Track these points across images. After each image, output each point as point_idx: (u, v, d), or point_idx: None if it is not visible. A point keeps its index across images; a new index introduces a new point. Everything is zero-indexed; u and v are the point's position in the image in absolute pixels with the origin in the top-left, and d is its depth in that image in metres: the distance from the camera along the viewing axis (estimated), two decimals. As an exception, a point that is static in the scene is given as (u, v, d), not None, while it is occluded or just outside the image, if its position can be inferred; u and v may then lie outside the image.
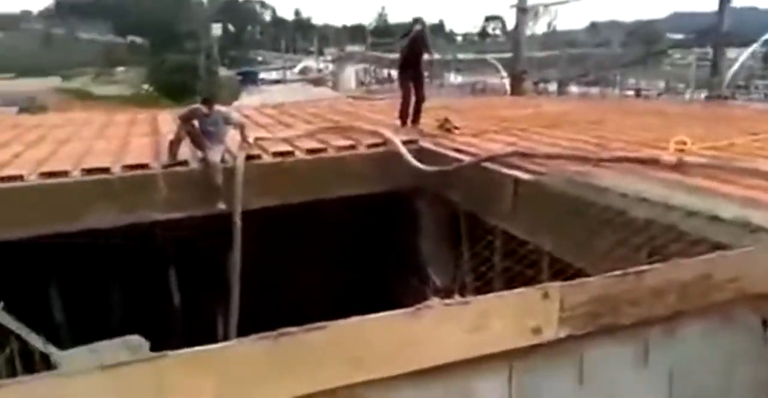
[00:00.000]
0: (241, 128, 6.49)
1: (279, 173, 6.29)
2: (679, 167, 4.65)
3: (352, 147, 6.68)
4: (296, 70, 55.56)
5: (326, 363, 2.08)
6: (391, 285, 7.87)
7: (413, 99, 7.48)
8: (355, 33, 73.95)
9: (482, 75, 30.21)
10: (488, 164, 5.51)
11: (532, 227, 4.89)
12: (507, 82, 18.18)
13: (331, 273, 7.77)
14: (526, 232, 5.11)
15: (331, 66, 52.23)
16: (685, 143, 5.34)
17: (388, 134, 6.83)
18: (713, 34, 13.85)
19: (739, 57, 19.86)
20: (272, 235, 7.00)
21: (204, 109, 6.05)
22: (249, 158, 6.23)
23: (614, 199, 3.99)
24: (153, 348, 7.08)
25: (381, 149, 6.66)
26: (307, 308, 7.66)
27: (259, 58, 69.56)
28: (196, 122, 6.11)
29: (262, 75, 47.30)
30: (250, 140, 6.61)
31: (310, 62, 59.02)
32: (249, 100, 23.80)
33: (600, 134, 6.72)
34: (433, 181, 6.36)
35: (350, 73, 41.92)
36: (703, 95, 14.94)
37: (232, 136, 6.42)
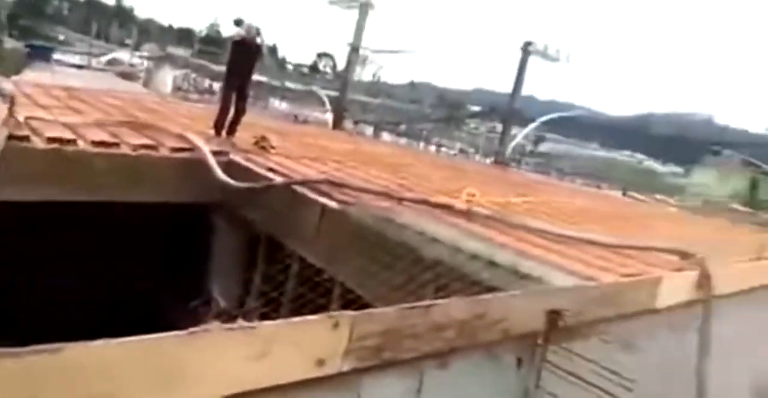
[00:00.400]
0: (11, 100, 5.37)
1: (51, 164, 5.29)
2: (467, 214, 5.09)
3: (152, 147, 5.98)
4: (104, 59, 49.67)
5: None
6: (169, 306, 7.11)
7: (233, 110, 7.10)
8: (183, 36, 69.53)
9: (308, 108, 30.63)
10: (298, 188, 5.38)
11: (331, 256, 4.85)
12: (330, 117, 18.66)
13: (96, 287, 6.70)
14: (323, 260, 5.05)
15: (146, 63, 47.92)
16: (474, 195, 5.91)
17: (197, 140, 6.30)
18: (504, 111, 16.22)
19: (518, 135, 24.01)
20: (27, 236, 5.82)
21: None
22: (13, 137, 5.13)
23: (410, 236, 4.16)
24: None
25: (185, 155, 6.09)
26: (58, 325, 6.54)
27: (61, 37, 60.71)
28: None
29: (58, 56, 41.13)
30: (20, 117, 5.49)
31: (122, 55, 53.40)
32: (34, 77, 20.33)
33: (407, 177, 7.14)
34: (238, 198, 6.00)
35: (167, 75, 38.94)
36: (487, 160, 17.47)
37: (-3, 109, 5.26)
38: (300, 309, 5.11)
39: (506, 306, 3.01)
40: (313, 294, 5.15)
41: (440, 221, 4.66)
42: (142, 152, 5.87)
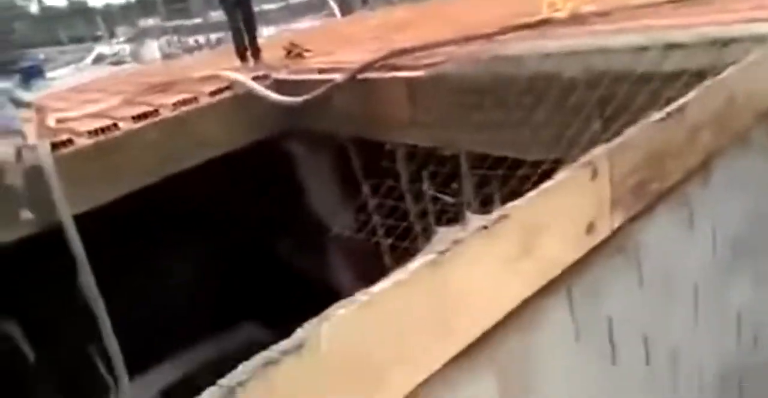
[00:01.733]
0: (36, 108, 4.80)
1: (103, 158, 4.75)
2: (576, 19, 4.10)
3: (190, 101, 5.27)
4: (88, 60, 48.41)
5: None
6: (288, 249, 6.83)
7: (245, 30, 6.17)
8: (146, 5, 65.84)
9: (293, 21, 28.46)
10: (368, 74, 4.55)
11: (444, 129, 4.09)
12: (335, 6, 16.71)
13: (214, 258, 6.46)
14: (432, 138, 4.31)
15: (128, 47, 46.35)
16: (555, 2, 4.80)
17: (231, 74, 5.52)
18: None
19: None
20: (121, 238, 5.47)
21: None
22: (55, 146, 4.59)
23: (545, 63, 3.29)
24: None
25: (228, 94, 5.36)
26: (201, 303, 6.47)
27: (41, 57, 59.39)
28: None
29: (50, 74, 40.42)
30: (51, 122, 4.93)
31: (102, 48, 51.72)
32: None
33: (465, 22, 6.03)
34: (305, 115, 5.28)
35: (153, 49, 37.55)
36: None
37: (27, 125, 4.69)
38: (433, 200, 4.51)
39: (749, 77, 2.18)
40: (438, 179, 4.51)
41: (560, 37, 3.72)
42: (184, 108, 5.18)
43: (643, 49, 2.82)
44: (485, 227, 1.22)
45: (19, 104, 4.58)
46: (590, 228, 1.57)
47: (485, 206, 4.10)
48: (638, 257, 1.84)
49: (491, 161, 3.85)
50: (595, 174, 1.54)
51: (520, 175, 3.20)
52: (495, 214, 1.28)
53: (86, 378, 5.79)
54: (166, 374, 6.20)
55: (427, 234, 4.60)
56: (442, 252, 1.15)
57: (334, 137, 5.32)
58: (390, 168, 4.90)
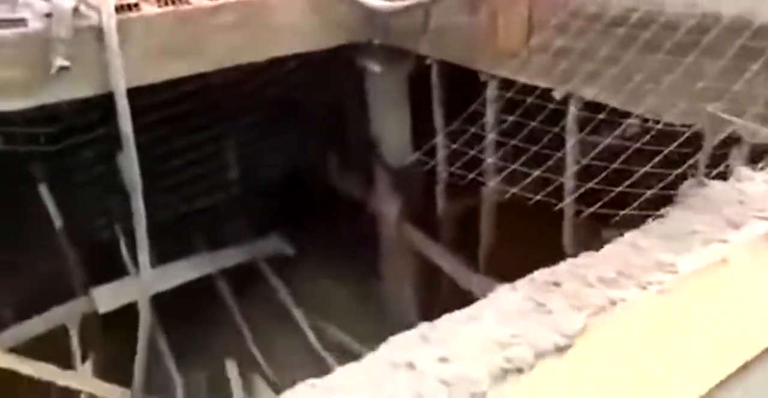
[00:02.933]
0: None
1: (168, 31, 4.27)
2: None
3: (274, -14, 4.67)
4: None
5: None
6: (337, 168, 6.44)
7: None
8: None
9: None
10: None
11: (565, 65, 3.49)
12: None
13: (260, 163, 6.16)
14: (549, 76, 3.70)
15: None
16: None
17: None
18: None
19: None
20: (171, 122, 5.14)
21: None
22: (121, 8, 4.11)
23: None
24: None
25: (316, -13, 4.74)
26: (236, 206, 6.24)
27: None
28: None
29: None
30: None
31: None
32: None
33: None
34: (393, 26, 4.69)
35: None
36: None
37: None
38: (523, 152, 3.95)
39: None
40: (534, 122, 3.93)
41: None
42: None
43: None
44: None
45: None
46: None
47: (584, 177, 3.57)
48: None
49: (611, 117, 3.28)
50: None
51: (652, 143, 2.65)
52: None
53: (110, 256, 5.70)
54: (185, 270, 6.05)
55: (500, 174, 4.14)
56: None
57: (419, 56, 4.74)
58: (478, 103, 4.34)
